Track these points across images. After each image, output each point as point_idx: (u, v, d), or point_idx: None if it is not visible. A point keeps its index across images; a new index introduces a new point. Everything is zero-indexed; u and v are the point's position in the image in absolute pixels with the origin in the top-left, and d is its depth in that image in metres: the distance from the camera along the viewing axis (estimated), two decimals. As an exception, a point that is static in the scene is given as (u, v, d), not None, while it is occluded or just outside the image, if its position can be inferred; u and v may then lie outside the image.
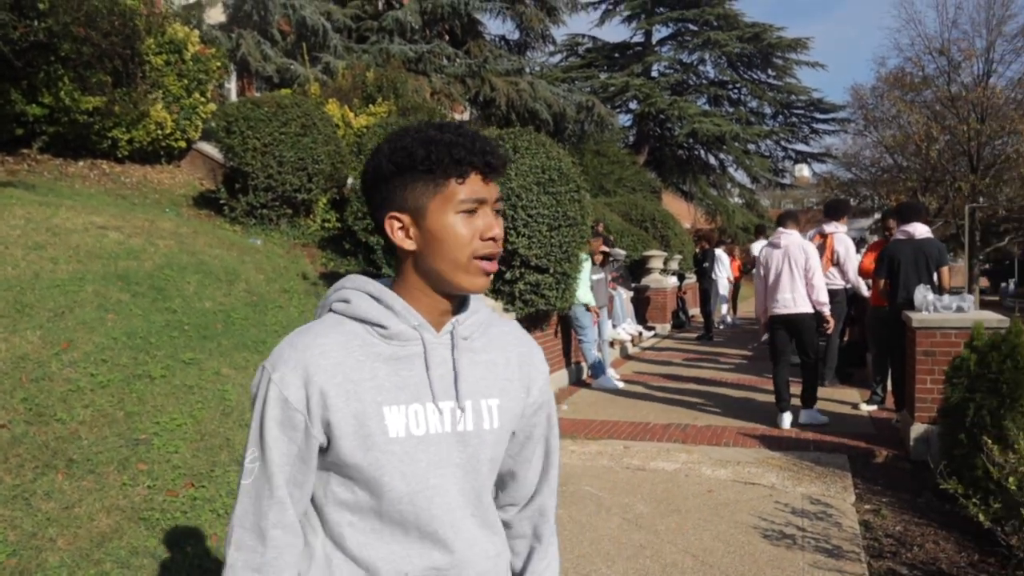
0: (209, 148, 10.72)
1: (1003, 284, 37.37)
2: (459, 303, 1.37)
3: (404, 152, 1.27)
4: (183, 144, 10.51)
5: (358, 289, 1.35)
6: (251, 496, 1.28)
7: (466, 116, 20.94)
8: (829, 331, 7.50)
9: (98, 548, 3.36)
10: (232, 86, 16.51)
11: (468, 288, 1.31)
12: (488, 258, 1.30)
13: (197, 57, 10.54)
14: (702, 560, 4.07)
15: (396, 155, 1.28)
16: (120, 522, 3.55)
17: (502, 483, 1.51)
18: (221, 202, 8.98)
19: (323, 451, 1.29)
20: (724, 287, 15.20)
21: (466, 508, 1.35)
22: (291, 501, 1.28)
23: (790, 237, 6.90)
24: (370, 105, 12.98)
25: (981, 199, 26.42)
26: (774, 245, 7.01)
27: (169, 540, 3.52)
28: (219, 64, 10.96)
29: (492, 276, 1.33)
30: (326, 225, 9.73)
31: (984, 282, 38.54)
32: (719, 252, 15.06)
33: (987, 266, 38.85)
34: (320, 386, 1.25)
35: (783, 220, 7.20)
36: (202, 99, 10.55)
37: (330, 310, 1.35)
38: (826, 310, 6.82)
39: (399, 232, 1.30)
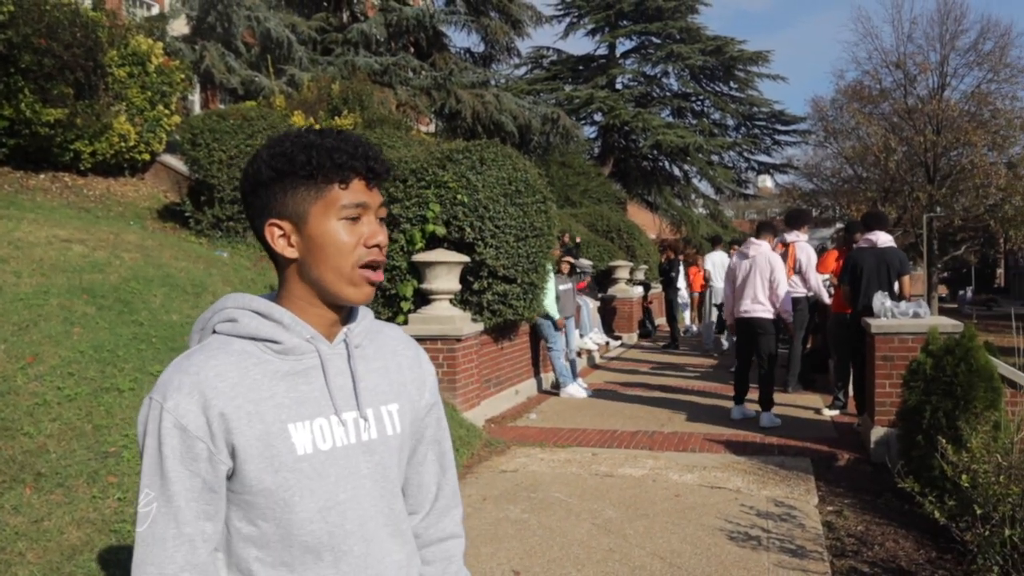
0: (173, 161, 10.67)
1: (960, 292, 38.26)
2: (347, 312, 1.34)
3: (284, 157, 1.23)
4: (147, 157, 10.45)
5: (242, 307, 1.27)
6: (152, 542, 1.17)
7: (432, 128, 21.03)
8: (791, 335, 7.71)
9: (68, 561, 3.36)
10: (196, 98, 16.45)
11: (352, 299, 1.27)
12: (372, 267, 1.26)
13: (161, 69, 10.50)
14: (670, 562, 4.16)
15: (276, 160, 1.23)
16: (91, 535, 3.54)
17: (403, 492, 1.45)
18: (186, 215, 8.95)
19: (227, 479, 1.22)
20: (685, 296, 15.38)
21: (378, 518, 1.31)
22: (201, 539, 1.19)
23: (759, 248, 7.21)
24: (336, 118, 13.00)
25: (938, 209, 27.08)
26: (743, 255, 7.27)
27: (140, 552, 3.52)
28: (183, 76, 10.92)
29: (376, 287, 1.30)
30: (293, 237, 9.73)
31: (943, 290, 39.44)
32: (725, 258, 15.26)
33: (945, 274, 39.74)
34: (220, 409, 1.17)
35: (759, 231, 7.51)
36: (166, 111, 10.51)
37: (213, 331, 1.27)
38: (788, 318, 7.04)
39: (280, 240, 1.25)
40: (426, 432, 1.46)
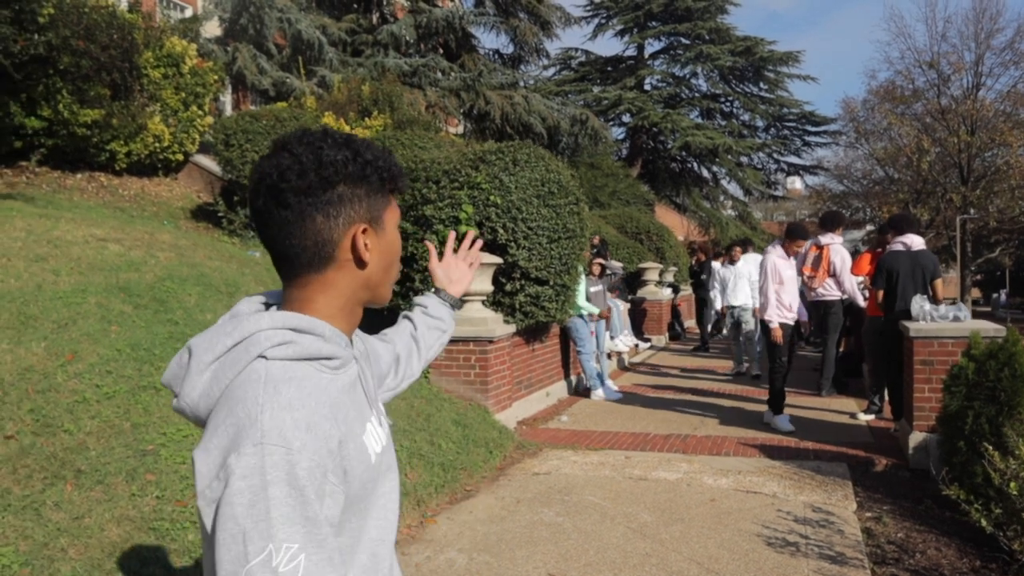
0: (206, 161, 10.77)
1: (994, 295, 37.54)
2: None
3: (368, 158, 1.21)
4: (180, 157, 10.56)
5: (282, 327, 1.17)
6: None
7: (460, 129, 21.07)
8: (775, 340, 7.36)
9: (109, 558, 3.38)
10: (228, 99, 16.59)
11: (387, 302, 1.34)
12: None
13: (195, 70, 10.60)
14: (707, 568, 4.11)
15: (359, 159, 1.20)
16: (130, 532, 3.57)
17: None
18: (219, 215, 9.02)
19: None
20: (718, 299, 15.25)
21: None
22: None
23: (770, 253, 7.34)
24: (366, 118, 13.06)
25: (972, 211, 26.68)
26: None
27: (180, 550, 3.54)
28: (216, 77, 11.02)
29: None
30: (324, 238, 9.78)
31: (976, 293, 38.82)
32: (715, 264, 15.15)
33: (978, 277, 39.10)
34: (337, 438, 1.12)
35: (792, 232, 7.45)
36: (199, 112, 10.61)
37: (261, 356, 1.14)
38: (771, 324, 7.17)
39: (364, 244, 1.22)
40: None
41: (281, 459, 1.03)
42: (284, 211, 1.19)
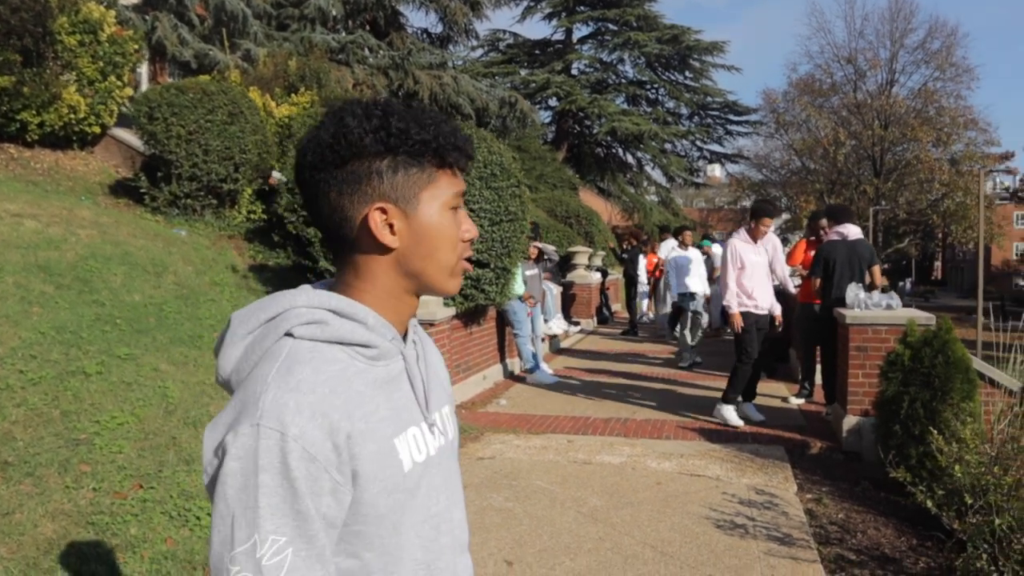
0: (125, 134, 10.28)
1: (900, 283, 39.30)
2: None
3: (395, 129, 1.09)
4: (97, 130, 10.03)
5: (319, 307, 1.10)
6: None
7: (387, 108, 20.70)
8: (736, 327, 7.26)
9: (46, 556, 3.18)
10: (144, 71, 15.87)
11: (450, 292, 1.18)
12: (466, 258, 1.19)
13: (113, 39, 10.07)
14: (661, 551, 4.14)
15: (383, 131, 1.08)
16: (67, 528, 3.36)
17: None
18: (142, 191, 8.61)
19: None
20: (644, 284, 15.46)
21: (460, 527, 1.25)
22: None
23: (733, 236, 7.16)
24: (292, 95, 12.69)
25: (883, 202, 27.76)
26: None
27: (123, 545, 3.35)
28: (136, 47, 10.50)
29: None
30: (252, 216, 9.46)
31: (884, 281, 40.51)
32: (666, 248, 15.32)
33: (886, 266, 40.81)
34: (347, 432, 1.02)
35: (758, 212, 7.27)
36: (118, 83, 10.08)
37: (288, 335, 1.08)
38: (730, 310, 6.87)
39: (384, 226, 1.11)
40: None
41: (275, 444, 0.97)
42: (304, 188, 1.15)
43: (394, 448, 1.09)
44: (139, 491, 3.71)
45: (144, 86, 13.96)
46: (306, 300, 1.10)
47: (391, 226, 1.11)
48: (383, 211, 1.10)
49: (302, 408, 1.00)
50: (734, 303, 6.84)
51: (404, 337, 1.20)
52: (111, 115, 10.12)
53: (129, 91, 10.19)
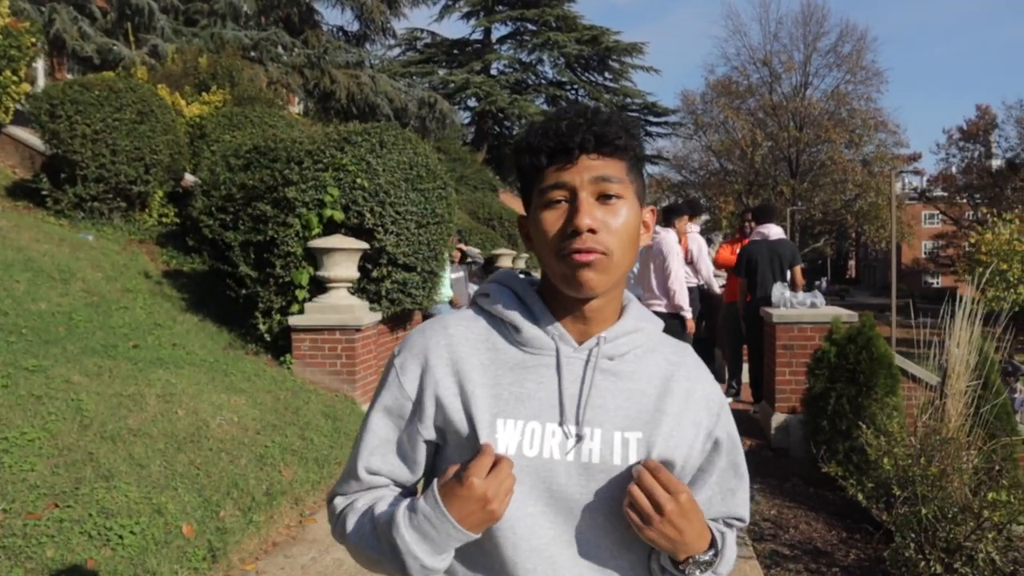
0: (22, 133, 9.85)
1: (816, 282, 40.76)
2: (604, 314, 1.22)
3: (519, 141, 1.22)
4: (-9, 128, 9.58)
5: (503, 283, 1.27)
6: (344, 474, 1.28)
7: (300, 108, 20.40)
8: (690, 332, 7.24)
9: (-47, 582, 3.02)
10: (40, 66, 15.23)
11: (570, 293, 1.17)
12: (576, 253, 1.12)
13: (8, 31, 9.62)
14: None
15: (519, 141, 1.22)
16: (-24, 551, 3.20)
17: None
18: (43, 193, 8.26)
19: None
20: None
21: (570, 547, 1.18)
22: (374, 484, 1.25)
23: (658, 237, 7.03)
24: (204, 93, 12.39)
25: (800, 202, 28.77)
26: (646, 245, 7.24)
27: (37, 569, 3.21)
28: (34, 40, 10.06)
29: (590, 267, 1.13)
30: (164, 220, 9.18)
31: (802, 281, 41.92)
32: None
33: (803, 265, 42.29)
34: (437, 379, 1.18)
35: (666, 216, 7.29)
36: (14, 78, 9.64)
37: (473, 303, 1.29)
38: (687, 314, 6.86)
39: (526, 233, 1.24)
40: (700, 488, 1.28)
41: (389, 363, 1.25)
42: None
43: (494, 425, 1.16)
44: (55, 510, 3.56)
45: (41, 82, 13.40)
46: (498, 277, 1.31)
47: (526, 230, 1.26)
48: (524, 217, 1.26)
49: (415, 345, 1.25)
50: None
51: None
52: (6, 112, 9.67)
53: (26, 87, 9.76)
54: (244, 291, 6.87)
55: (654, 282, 6.96)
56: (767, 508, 5.05)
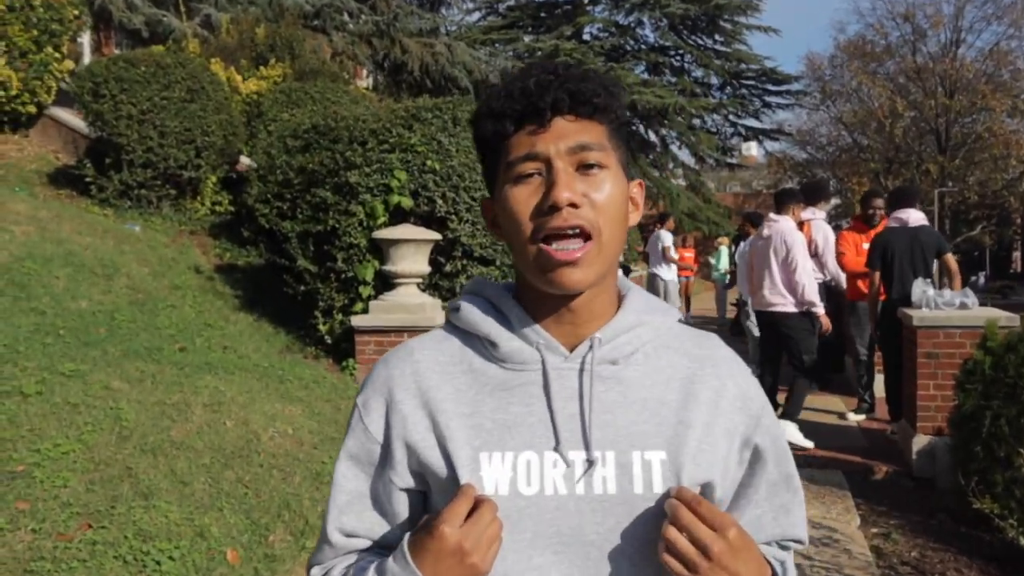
0: (66, 115, 10.29)
1: (973, 278, 39.19)
2: (597, 310, 1.13)
3: (480, 107, 1.15)
4: (33, 109, 10.04)
5: (474, 292, 1.20)
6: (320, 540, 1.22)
7: (368, 82, 20.72)
8: (825, 332, 7.07)
9: (-22, 609, 3.13)
10: (86, 41, 15.87)
11: (550, 289, 1.08)
12: (554, 237, 1.04)
13: (49, 3, 10.06)
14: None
15: (478, 109, 1.15)
16: (2, 576, 3.31)
17: None
18: (87, 180, 8.60)
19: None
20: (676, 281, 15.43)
21: None
22: (348, 548, 1.18)
23: (775, 226, 6.88)
24: (261, 67, 12.69)
25: (950, 183, 27.70)
26: (759, 236, 7.08)
27: (68, 596, 3.30)
28: (77, 13, 10.50)
29: (574, 265, 1.05)
30: (217, 208, 9.44)
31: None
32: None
33: (957, 258, 40.78)
34: (404, 415, 1.12)
35: (778, 202, 7.15)
36: (56, 55, 10.08)
37: (446, 320, 1.24)
38: (818, 310, 6.75)
39: (492, 218, 1.17)
40: (745, 507, 1.20)
41: (355, 403, 1.19)
42: None
43: (476, 461, 1.09)
44: (88, 532, 3.66)
45: (87, 58, 13.96)
46: (469, 286, 1.25)
47: (493, 218, 1.18)
48: (489, 200, 1.19)
49: (376, 379, 1.20)
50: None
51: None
52: (48, 92, 10.11)
53: (69, 64, 10.18)
54: (303, 287, 6.99)
55: (778, 277, 6.79)
56: (906, 549, 4.82)
